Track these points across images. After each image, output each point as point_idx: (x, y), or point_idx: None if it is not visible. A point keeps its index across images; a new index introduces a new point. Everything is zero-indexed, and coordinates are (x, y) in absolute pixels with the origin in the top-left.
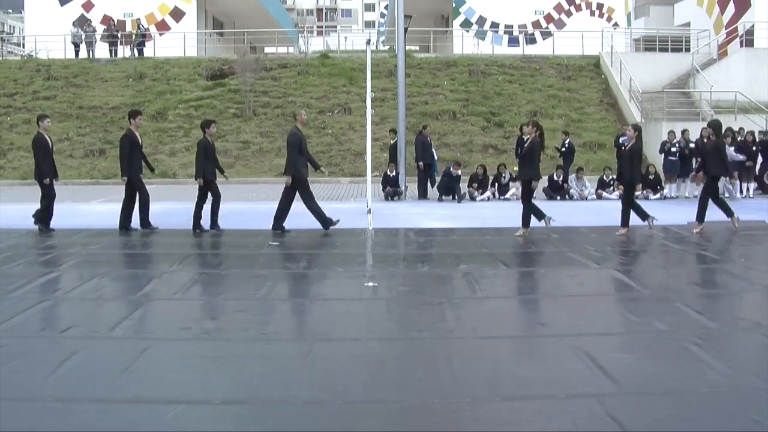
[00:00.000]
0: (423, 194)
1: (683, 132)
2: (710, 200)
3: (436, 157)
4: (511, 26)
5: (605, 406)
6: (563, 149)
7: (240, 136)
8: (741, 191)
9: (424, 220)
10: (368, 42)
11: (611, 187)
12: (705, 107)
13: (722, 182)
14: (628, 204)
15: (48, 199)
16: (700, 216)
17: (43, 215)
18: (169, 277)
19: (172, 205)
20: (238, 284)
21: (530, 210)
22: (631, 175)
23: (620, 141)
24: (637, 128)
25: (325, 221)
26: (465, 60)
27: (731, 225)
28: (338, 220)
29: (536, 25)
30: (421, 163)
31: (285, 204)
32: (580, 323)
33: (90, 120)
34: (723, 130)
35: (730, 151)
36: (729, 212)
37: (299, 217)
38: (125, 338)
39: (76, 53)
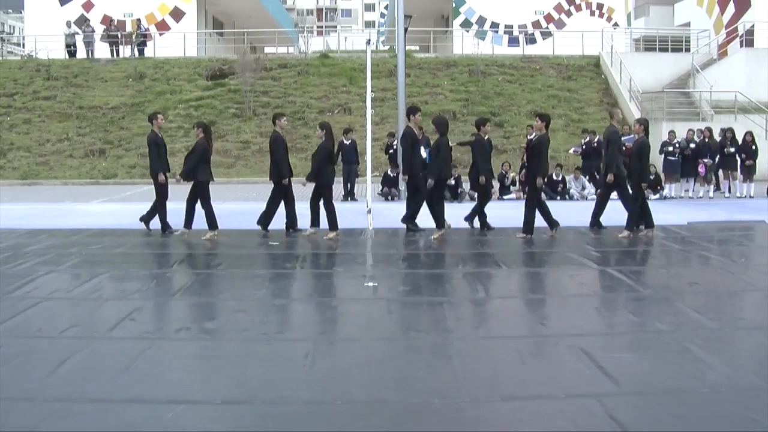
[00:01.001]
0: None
1: (688, 131)
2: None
3: (423, 155)
4: (511, 26)
5: (605, 406)
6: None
7: (240, 136)
8: (741, 190)
9: (424, 220)
10: (368, 42)
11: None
12: (705, 107)
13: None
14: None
15: (281, 198)
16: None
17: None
18: (169, 277)
19: (172, 206)
20: (238, 284)
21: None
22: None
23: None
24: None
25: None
26: (465, 60)
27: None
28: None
29: (536, 25)
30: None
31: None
32: (580, 323)
33: (90, 120)
34: (723, 131)
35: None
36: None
37: (300, 217)
38: (125, 338)
39: (71, 54)
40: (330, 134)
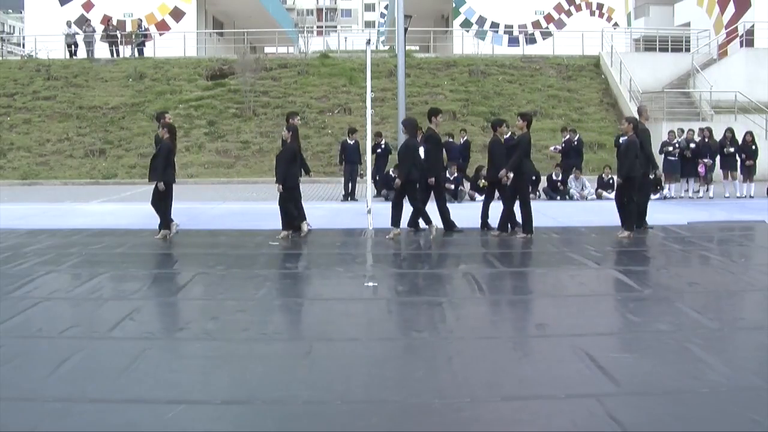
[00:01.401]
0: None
1: (688, 131)
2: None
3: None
4: (511, 26)
5: (605, 406)
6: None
7: (240, 136)
8: (741, 190)
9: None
10: (368, 42)
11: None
12: (705, 107)
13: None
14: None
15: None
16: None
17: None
18: (169, 277)
19: (176, 205)
20: (238, 284)
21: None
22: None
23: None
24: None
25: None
26: (465, 60)
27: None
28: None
29: (536, 25)
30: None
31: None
32: (580, 323)
33: (90, 120)
34: (724, 130)
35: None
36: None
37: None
38: (125, 338)
39: (71, 54)
40: (296, 136)
